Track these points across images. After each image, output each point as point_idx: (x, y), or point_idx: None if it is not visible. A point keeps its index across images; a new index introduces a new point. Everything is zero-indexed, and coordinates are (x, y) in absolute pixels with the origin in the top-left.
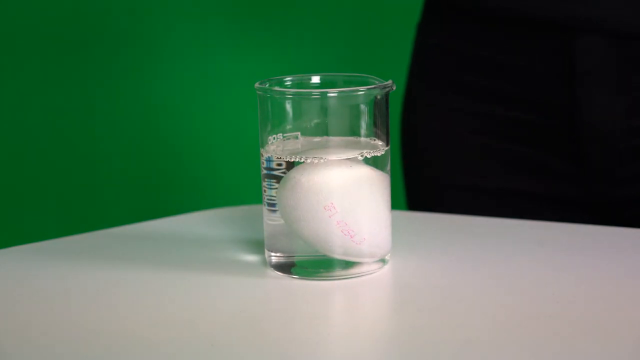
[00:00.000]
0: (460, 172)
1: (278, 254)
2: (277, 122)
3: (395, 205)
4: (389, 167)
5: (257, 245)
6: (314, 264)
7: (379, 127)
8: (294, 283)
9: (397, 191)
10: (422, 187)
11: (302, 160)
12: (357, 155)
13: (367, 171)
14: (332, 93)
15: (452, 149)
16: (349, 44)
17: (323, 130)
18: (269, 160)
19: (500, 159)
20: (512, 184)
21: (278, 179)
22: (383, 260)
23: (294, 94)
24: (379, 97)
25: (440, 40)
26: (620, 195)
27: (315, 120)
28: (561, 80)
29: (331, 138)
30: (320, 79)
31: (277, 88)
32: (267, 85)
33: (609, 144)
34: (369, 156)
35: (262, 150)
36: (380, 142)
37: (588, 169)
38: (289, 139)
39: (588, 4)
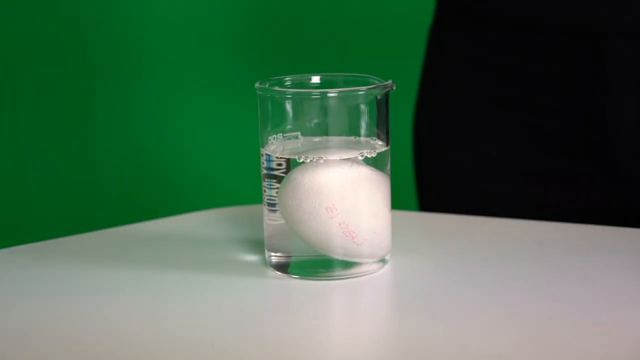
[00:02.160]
0: (480, 180)
1: (278, 254)
2: (277, 122)
3: (399, 205)
4: (389, 167)
5: (257, 245)
6: (313, 264)
7: (379, 127)
8: (294, 283)
9: (398, 191)
10: (437, 192)
11: (303, 160)
12: (357, 155)
13: (368, 172)
14: (332, 93)
15: (472, 156)
16: (349, 44)
17: (323, 130)
18: (269, 160)
19: (524, 167)
20: (536, 192)
21: (278, 179)
22: (383, 260)
23: (294, 94)
24: (379, 97)
25: (461, 47)
26: None
27: (315, 120)
28: (589, 85)
29: (331, 138)
30: (320, 79)
31: (277, 88)
32: (267, 85)
33: (638, 149)
34: (369, 156)
35: (262, 150)
36: (380, 142)
37: (617, 176)
38: (289, 139)
39: (617, 8)
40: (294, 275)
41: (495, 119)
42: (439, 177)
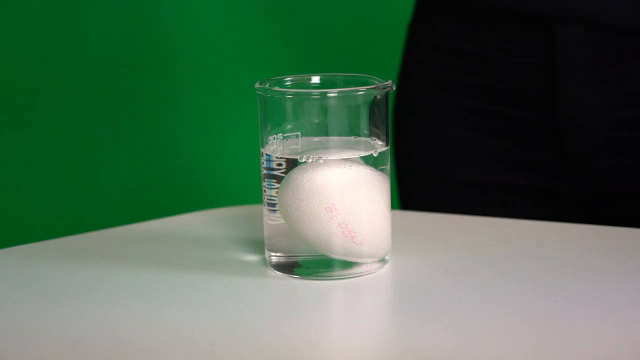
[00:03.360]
0: (446, 166)
1: (278, 254)
2: (277, 122)
3: (393, 204)
4: (388, 167)
5: (257, 245)
6: (314, 264)
7: (379, 127)
8: (294, 283)
9: (393, 190)
10: (409, 180)
11: (302, 160)
12: (357, 155)
13: (368, 172)
14: (332, 93)
15: (438, 144)
16: (349, 44)
17: (323, 130)
18: (269, 160)
19: (485, 153)
20: (497, 178)
21: (278, 179)
22: (383, 260)
23: (294, 94)
24: (378, 97)
25: (426, 37)
26: (604, 188)
27: (315, 120)
28: (542, 72)
29: (331, 138)
30: (320, 79)
31: (277, 88)
32: (267, 85)
33: (589, 136)
34: (368, 156)
35: (262, 150)
36: (380, 142)
37: (570, 162)
38: (289, 138)
39: None
40: (295, 275)
41: (454, 106)
42: (410, 167)
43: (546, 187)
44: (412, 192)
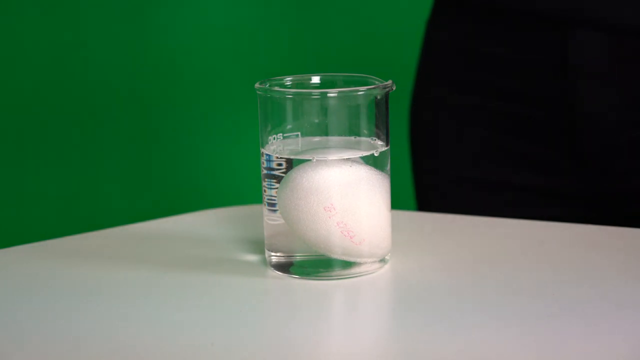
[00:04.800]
0: (461, 166)
1: (278, 254)
2: (277, 122)
3: (398, 204)
4: (388, 167)
5: (257, 245)
6: (313, 264)
7: (379, 127)
8: (294, 283)
9: (399, 191)
10: (427, 181)
11: (303, 160)
12: (357, 155)
13: (367, 171)
14: (332, 93)
15: (454, 144)
16: (349, 44)
17: (323, 130)
18: (269, 160)
19: (499, 153)
20: (512, 178)
21: (278, 179)
22: (383, 260)
23: (294, 94)
24: (379, 97)
25: (444, 37)
26: (619, 189)
27: (316, 120)
28: (558, 73)
29: (331, 138)
30: (320, 79)
31: (277, 88)
32: (267, 85)
33: (605, 137)
34: (369, 156)
35: (262, 150)
36: (380, 142)
37: (586, 163)
38: (289, 138)
39: None
40: (294, 274)
41: (464, 105)
42: (428, 168)
43: (561, 188)
44: (430, 194)
